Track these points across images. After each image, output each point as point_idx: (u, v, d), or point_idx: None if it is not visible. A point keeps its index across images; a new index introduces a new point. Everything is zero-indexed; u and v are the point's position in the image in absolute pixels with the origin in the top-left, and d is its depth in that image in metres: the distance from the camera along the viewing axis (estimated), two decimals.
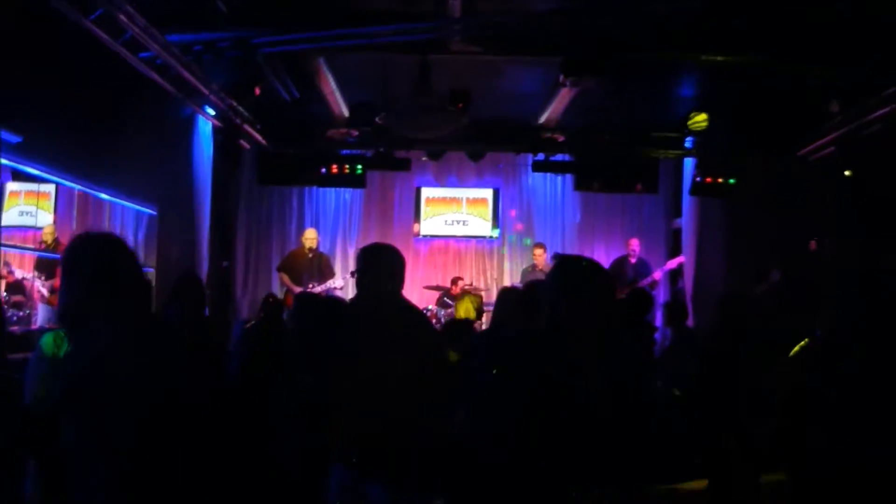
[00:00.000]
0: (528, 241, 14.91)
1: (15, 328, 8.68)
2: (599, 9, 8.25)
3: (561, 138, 13.04)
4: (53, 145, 8.20)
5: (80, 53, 7.46)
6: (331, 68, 9.99)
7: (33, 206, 10.26)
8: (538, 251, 13.13)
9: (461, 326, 8.37)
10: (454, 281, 13.74)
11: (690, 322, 12.77)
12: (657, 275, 13.00)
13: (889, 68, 8.99)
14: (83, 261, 3.05)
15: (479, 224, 15.09)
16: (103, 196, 10.00)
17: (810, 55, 8.87)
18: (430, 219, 15.09)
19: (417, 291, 14.83)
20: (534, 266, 12.95)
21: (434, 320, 12.56)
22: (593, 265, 3.53)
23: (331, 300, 6.51)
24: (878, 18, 7.82)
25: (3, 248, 8.61)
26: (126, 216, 10.82)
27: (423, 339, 4.71)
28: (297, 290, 12.52)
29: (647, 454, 3.41)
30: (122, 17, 7.28)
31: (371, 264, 4.69)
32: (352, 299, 5.22)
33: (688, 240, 13.38)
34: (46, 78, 7.27)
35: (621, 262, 13.36)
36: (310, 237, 12.93)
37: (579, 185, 13.88)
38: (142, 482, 2.84)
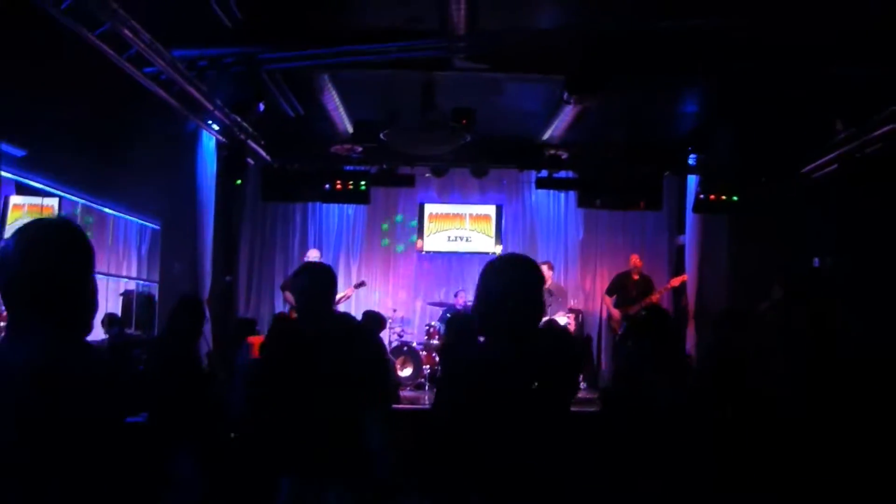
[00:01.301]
0: None
1: None
2: (604, 27, 8.27)
3: (564, 155, 13.04)
4: (57, 159, 8.26)
5: (85, 68, 7.48)
6: (335, 85, 10.00)
7: None
8: (543, 268, 13.07)
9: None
10: (457, 294, 13.77)
11: (692, 339, 12.81)
12: (655, 298, 12.98)
13: (891, 84, 9.01)
14: None
15: (483, 240, 15.07)
16: (107, 210, 10.03)
17: (814, 71, 8.90)
18: (433, 235, 15.08)
19: (420, 307, 14.84)
20: None
21: (437, 337, 12.56)
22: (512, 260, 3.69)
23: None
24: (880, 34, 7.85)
25: None
26: (129, 230, 10.86)
27: (360, 347, 4.99)
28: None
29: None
30: (128, 32, 7.28)
31: (306, 284, 4.99)
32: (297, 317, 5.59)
33: (691, 257, 13.35)
34: (51, 92, 7.31)
35: (624, 278, 13.36)
36: (312, 258, 12.94)
37: (582, 202, 13.78)
38: None
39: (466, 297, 13.64)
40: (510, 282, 3.50)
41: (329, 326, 4.91)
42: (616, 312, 13.33)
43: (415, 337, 13.74)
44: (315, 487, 4.63)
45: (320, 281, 4.98)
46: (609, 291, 13.64)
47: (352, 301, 13.71)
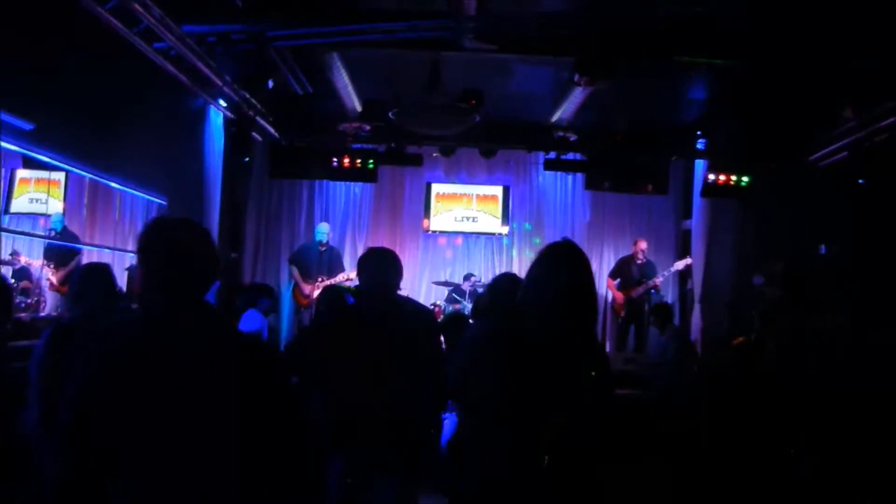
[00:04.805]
0: (538, 241, 14.88)
1: (23, 315, 8.69)
2: (613, 9, 8.25)
3: (573, 137, 13.04)
4: (65, 133, 8.23)
5: (94, 42, 7.48)
6: (344, 63, 9.99)
7: (44, 194, 10.28)
8: None
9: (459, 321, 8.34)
10: (467, 277, 13.75)
11: (698, 322, 12.85)
12: (658, 280, 13.05)
13: None
14: None
15: (489, 221, 15.05)
16: (114, 185, 10.02)
17: (822, 57, 8.86)
18: (440, 214, 15.06)
19: (426, 287, 14.85)
20: None
21: (441, 315, 12.58)
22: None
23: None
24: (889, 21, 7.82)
25: (12, 235, 8.63)
26: (136, 205, 10.85)
27: (417, 328, 5.06)
28: (304, 284, 12.59)
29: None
30: (138, 6, 7.29)
31: (366, 265, 5.09)
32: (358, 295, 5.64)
33: (697, 241, 13.35)
34: (60, 66, 7.29)
35: (627, 261, 13.40)
36: (323, 231, 12.99)
37: (590, 185, 13.81)
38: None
39: (474, 282, 13.63)
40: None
41: (397, 308, 5.04)
42: (619, 295, 13.38)
43: None
44: (365, 470, 4.67)
45: (393, 269, 5.06)
46: (612, 274, 13.69)
47: (356, 282, 13.72)
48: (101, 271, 5.04)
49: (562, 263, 3.74)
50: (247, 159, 11.98)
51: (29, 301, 9.60)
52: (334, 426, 4.65)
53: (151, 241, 2.94)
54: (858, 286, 9.34)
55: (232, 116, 10.90)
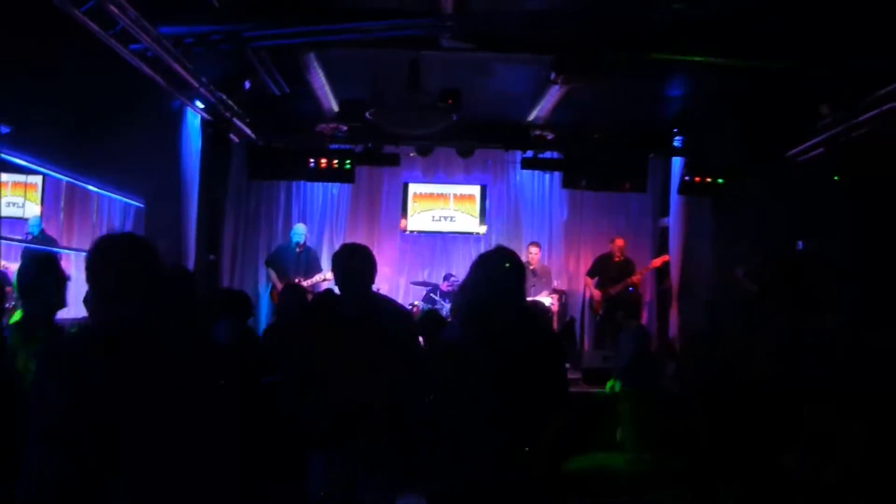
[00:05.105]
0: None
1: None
2: (591, 9, 8.27)
3: (550, 136, 13.03)
4: (42, 136, 8.18)
5: (70, 44, 7.42)
6: (321, 64, 9.97)
7: (20, 198, 10.23)
8: (533, 249, 13.10)
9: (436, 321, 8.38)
10: (446, 277, 13.73)
11: (675, 320, 12.89)
12: (636, 278, 13.09)
13: (879, 70, 9.03)
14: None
15: (467, 220, 15.03)
16: (91, 188, 9.97)
17: (801, 56, 8.90)
18: (418, 214, 15.03)
19: (404, 287, 14.82)
20: (527, 264, 12.83)
21: (419, 316, 12.57)
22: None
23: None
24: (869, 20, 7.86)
25: None
26: (113, 209, 10.80)
27: (396, 328, 5.09)
28: (282, 285, 12.55)
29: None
30: (114, 8, 7.23)
31: (339, 261, 5.14)
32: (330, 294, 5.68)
33: (674, 239, 13.39)
34: (36, 69, 7.24)
35: (605, 259, 13.41)
36: (299, 232, 12.95)
37: (567, 183, 13.80)
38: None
39: (453, 282, 13.62)
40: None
41: (374, 307, 5.07)
42: (597, 293, 13.38)
43: None
44: (349, 465, 4.68)
45: (365, 262, 5.09)
46: (591, 273, 13.68)
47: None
48: (52, 262, 4.95)
49: (513, 271, 3.95)
50: (224, 161, 11.92)
51: (7, 305, 9.52)
52: (327, 424, 4.66)
53: (121, 251, 3.07)
54: (843, 283, 9.37)
55: (209, 118, 10.85)
